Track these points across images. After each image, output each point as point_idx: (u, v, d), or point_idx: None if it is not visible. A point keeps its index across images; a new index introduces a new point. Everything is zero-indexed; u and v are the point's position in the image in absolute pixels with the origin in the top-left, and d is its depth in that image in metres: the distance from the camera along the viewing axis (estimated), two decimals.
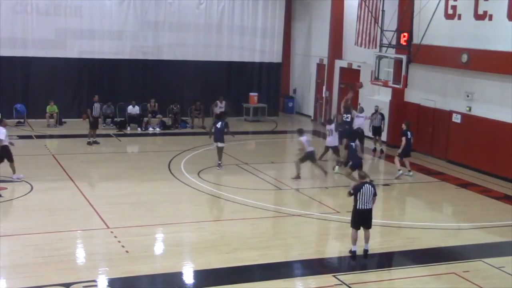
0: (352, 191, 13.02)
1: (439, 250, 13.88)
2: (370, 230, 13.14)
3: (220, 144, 20.08)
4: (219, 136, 20.01)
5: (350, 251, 13.14)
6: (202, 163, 20.76)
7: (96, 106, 23.51)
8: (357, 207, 12.89)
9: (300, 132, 19.39)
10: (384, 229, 15.14)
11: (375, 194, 13.00)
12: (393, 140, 24.03)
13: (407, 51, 23.14)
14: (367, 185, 12.93)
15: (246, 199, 16.91)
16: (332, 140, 20.61)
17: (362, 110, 22.97)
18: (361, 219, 12.97)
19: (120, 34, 28.27)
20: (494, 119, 20.63)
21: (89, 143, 23.09)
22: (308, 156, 19.01)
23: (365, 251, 13.13)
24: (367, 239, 13.13)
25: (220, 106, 27.45)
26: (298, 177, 19.07)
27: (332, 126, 20.58)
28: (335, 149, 20.76)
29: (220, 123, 20.21)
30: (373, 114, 23.65)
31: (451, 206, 18.18)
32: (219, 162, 20.19)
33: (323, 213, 16.14)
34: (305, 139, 19.10)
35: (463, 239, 14.69)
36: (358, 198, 12.84)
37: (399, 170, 20.02)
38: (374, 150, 23.73)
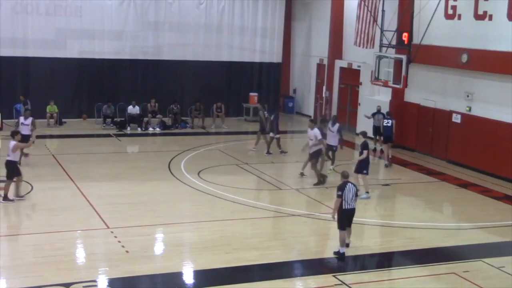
0: (340, 193, 12.82)
1: (439, 250, 13.86)
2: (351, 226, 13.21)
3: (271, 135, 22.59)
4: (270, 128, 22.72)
5: (337, 253, 12.99)
6: (202, 163, 20.76)
7: (18, 106, 23.37)
8: (343, 207, 12.87)
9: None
10: (384, 229, 15.14)
11: (356, 194, 13.05)
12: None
13: (407, 51, 23.16)
14: (350, 184, 12.97)
15: (246, 199, 16.91)
16: (333, 139, 20.34)
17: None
18: (347, 218, 12.99)
19: (120, 34, 28.27)
20: (494, 119, 20.62)
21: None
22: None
23: (347, 244, 13.17)
24: (349, 234, 13.22)
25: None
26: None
27: (336, 126, 20.05)
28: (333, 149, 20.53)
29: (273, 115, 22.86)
30: (374, 114, 23.65)
31: (451, 206, 18.17)
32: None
33: (323, 213, 16.12)
34: None
35: (463, 239, 14.68)
36: (343, 198, 12.82)
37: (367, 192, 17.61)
38: (374, 150, 23.70)
